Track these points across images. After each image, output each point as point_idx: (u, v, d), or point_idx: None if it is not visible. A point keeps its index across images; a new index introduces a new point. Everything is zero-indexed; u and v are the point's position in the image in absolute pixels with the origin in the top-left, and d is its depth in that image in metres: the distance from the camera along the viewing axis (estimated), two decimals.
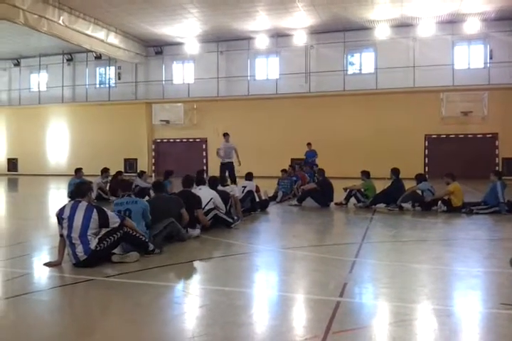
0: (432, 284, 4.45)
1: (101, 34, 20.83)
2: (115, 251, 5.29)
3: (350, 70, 23.65)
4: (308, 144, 17.78)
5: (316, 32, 22.33)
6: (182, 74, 25.65)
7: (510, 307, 3.62)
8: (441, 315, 3.56)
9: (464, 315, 3.62)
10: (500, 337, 3.07)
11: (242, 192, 9.60)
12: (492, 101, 20.19)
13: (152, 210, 5.97)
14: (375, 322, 3.45)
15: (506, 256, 5.45)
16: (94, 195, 10.56)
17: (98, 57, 25.40)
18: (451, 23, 20.83)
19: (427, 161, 21.65)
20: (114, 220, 5.14)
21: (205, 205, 7.26)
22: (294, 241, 6.85)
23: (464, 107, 20.60)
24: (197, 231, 6.63)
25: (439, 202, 9.80)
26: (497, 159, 20.92)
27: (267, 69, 24.36)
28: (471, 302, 3.93)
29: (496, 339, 3.06)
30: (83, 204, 5.03)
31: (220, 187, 8.42)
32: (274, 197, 11.72)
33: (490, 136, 21.00)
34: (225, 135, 14.41)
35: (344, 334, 3.13)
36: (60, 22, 18.13)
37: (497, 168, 19.94)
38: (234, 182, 12.61)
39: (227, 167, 13.88)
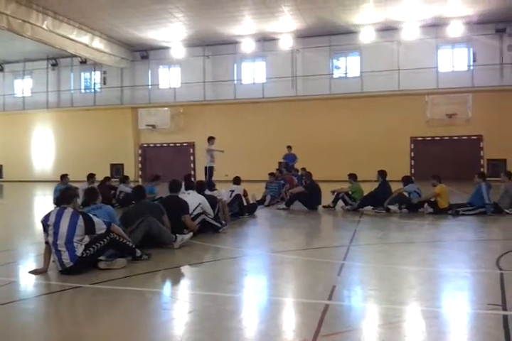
0: (420, 286, 4.46)
1: (85, 38, 20.71)
2: (101, 257, 5.23)
3: (336, 74, 23.82)
4: (288, 147, 17.48)
5: (301, 36, 22.47)
6: (168, 78, 25.60)
7: (497, 308, 3.65)
8: (430, 317, 3.57)
9: (452, 316, 3.64)
10: (488, 338, 3.08)
11: (230, 196, 9.58)
12: (476, 104, 20.46)
13: (130, 217, 5.92)
14: (363, 324, 3.45)
15: (493, 256, 5.50)
16: (80, 201, 10.44)
17: (83, 62, 25.25)
18: (435, 26, 21.11)
19: (413, 163, 21.85)
20: (101, 227, 5.08)
21: (194, 210, 7.22)
22: (283, 244, 6.84)
23: (449, 110, 20.87)
24: (188, 235, 6.46)
25: (426, 203, 9.87)
26: (482, 160, 21.19)
27: (253, 74, 24.42)
28: (458, 303, 3.95)
29: (483, 339, 3.07)
30: (69, 211, 4.96)
31: (207, 192, 8.39)
32: (262, 201, 11.72)
33: (475, 137, 21.27)
34: (211, 138, 14.38)
35: (333, 337, 3.13)
36: (44, 26, 18.00)
37: (482, 169, 20.17)
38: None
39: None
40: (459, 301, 4.02)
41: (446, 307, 3.87)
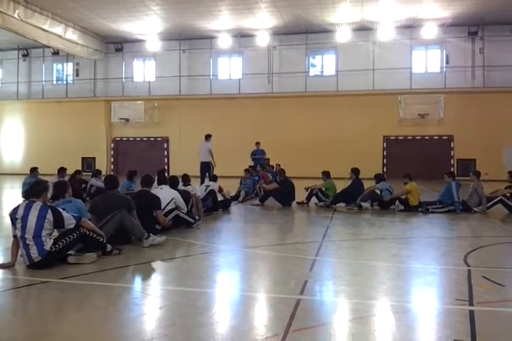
0: (390, 281, 4.53)
1: (58, 29, 20.22)
2: (71, 252, 5.13)
3: (312, 72, 23.92)
4: (257, 143, 17.43)
5: (278, 33, 22.48)
6: (143, 71, 25.27)
7: (464, 303, 3.73)
8: (399, 311, 3.63)
9: (421, 310, 3.71)
10: (456, 332, 3.15)
11: (205, 190, 9.55)
12: (448, 104, 20.89)
13: (100, 209, 5.88)
14: (334, 319, 3.49)
15: (461, 253, 5.63)
16: (50, 194, 10.21)
17: (55, 53, 24.61)
18: (410, 27, 21.43)
19: (385, 162, 22.17)
20: (70, 221, 4.98)
21: (166, 205, 7.15)
22: (256, 240, 6.85)
23: (421, 110, 21.24)
24: (162, 238, 6.14)
25: (397, 201, 10.04)
26: (452, 160, 21.66)
27: (229, 69, 24.31)
28: (427, 299, 4.03)
29: (451, 334, 3.14)
30: (37, 204, 4.85)
31: (181, 187, 8.32)
32: (236, 197, 11.71)
33: (446, 137, 21.72)
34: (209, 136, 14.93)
35: (304, 331, 3.14)
36: (16, 16, 17.48)
37: (452, 168, 20.63)
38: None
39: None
40: (428, 296, 4.10)
41: (415, 302, 3.94)
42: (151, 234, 6.05)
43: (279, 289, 4.23)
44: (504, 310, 3.67)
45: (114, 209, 5.91)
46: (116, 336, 3.15)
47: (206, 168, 14.32)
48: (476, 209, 9.64)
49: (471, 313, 3.50)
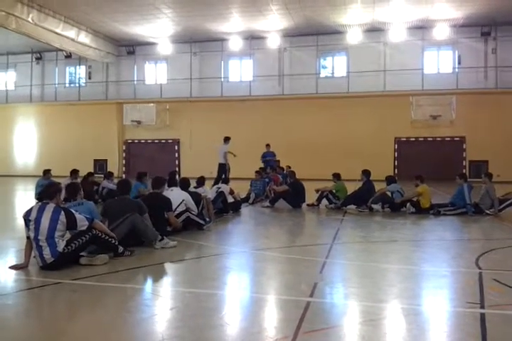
0: (401, 284, 4.52)
1: (71, 33, 20.48)
2: (83, 253, 5.19)
3: (323, 73, 23.92)
4: (267, 145, 17.51)
5: (289, 35, 22.50)
6: (154, 74, 25.44)
7: (475, 306, 3.71)
8: (410, 314, 3.62)
9: (432, 313, 3.69)
10: (467, 336, 3.13)
11: (216, 192, 9.58)
12: (460, 106, 20.72)
13: (112, 211, 5.94)
14: (344, 321, 3.49)
15: (472, 256, 5.59)
16: (62, 196, 10.32)
17: (68, 56, 24.89)
18: (421, 28, 21.32)
19: (396, 163, 22.05)
20: (83, 223, 5.04)
21: (177, 207, 7.19)
22: (266, 242, 6.86)
23: (433, 111, 21.10)
24: (173, 243, 6.12)
25: (408, 203, 9.98)
26: (464, 162, 21.48)
27: (240, 71, 24.38)
28: (438, 302, 4.01)
29: (462, 337, 3.12)
30: (51, 206, 4.91)
31: (192, 189, 8.36)
32: (246, 199, 11.72)
33: (458, 139, 21.55)
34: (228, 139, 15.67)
35: (314, 333, 3.15)
36: (30, 20, 17.74)
37: (464, 170, 20.45)
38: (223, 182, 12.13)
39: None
40: (439, 299, 4.08)
41: (426, 305, 3.92)
42: (164, 237, 6.08)
43: (289, 291, 4.24)
44: None
45: (126, 212, 5.94)
46: (128, 336, 3.19)
47: (221, 170, 14.55)
48: (488, 212, 9.54)
49: (482, 316, 3.47)
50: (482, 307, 3.69)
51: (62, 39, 20.18)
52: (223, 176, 14.08)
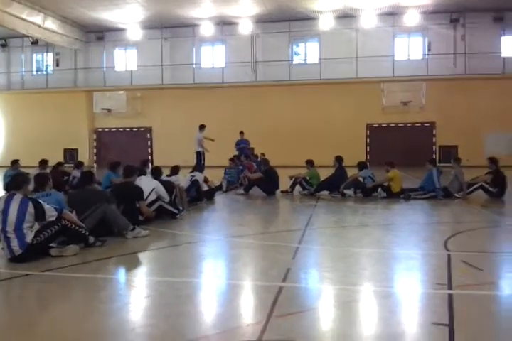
0: (373, 267, 4.60)
1: (37, 18, 19.84)
2: (53, 244, 5.09)
3: (296, 60, 23.86)
4: (241, 133, 17.43)
5: (261, 21, 22.31)
6: (124, 61, 24.93)
7: (444, 287, 3.81)
8: (381, 296, 3.70)
9: (403, 295, 3.78)
10: (435, 316, 3.22)
11: (190, 181, 9.51)
12: (430, 92, 21.05)
13: (73, 203, 5.86)
14: (317, 305, 3.53)
15: (442, 238, 5.72)
16: (31, 187, 10.08)
17: (35, 42, 24.08)
18: (392, 15, 21.45)
19: (368, 149, 22.35)
20: (51, 214, 4.93)
21: (148, 196, 7.10)
22: (240, 229, 6.88)
23: (404, 97, 21.38)
24: (145, 232, 6.07)
25: (379, 188, 10.14)
26: (434, 147, 21.91)
27: (212, 58, 24.12)
28: (409, 283, 4.10)
29: (431, 317, 3.20)
30: (18, 197, 4.79)
31: (164, 177, 8.28)
32: (220, 187, 11.69)
33: (428, 124, 21.93)
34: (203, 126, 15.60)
35: (287, 317, 3.18)
36: None
37: (434, 155, 20.87)
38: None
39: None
40: (409, 281, 4.17)
41: (397, 287, 4.01)
42: (136, 227, 6.02)
43: (263, 277, 4.27)
44: (481, 293, 3.75)
45: (94, 203, 5.83)
46: (101, 326, 3.15)
47: (197, 158, 14.72)
48: (457, 195, 9.78)
49: (450, 297, 3.57)
50: (450, 288, 3.79)
51: (29, 25, 19.53)
52: (201, 163, 14.12)
